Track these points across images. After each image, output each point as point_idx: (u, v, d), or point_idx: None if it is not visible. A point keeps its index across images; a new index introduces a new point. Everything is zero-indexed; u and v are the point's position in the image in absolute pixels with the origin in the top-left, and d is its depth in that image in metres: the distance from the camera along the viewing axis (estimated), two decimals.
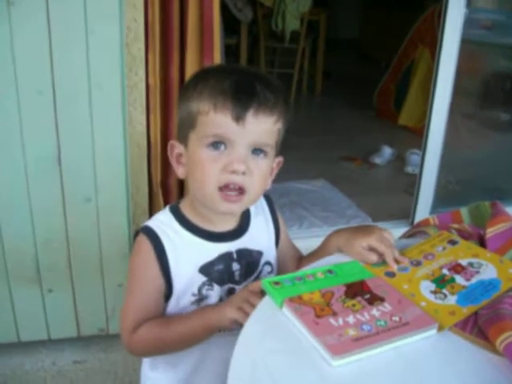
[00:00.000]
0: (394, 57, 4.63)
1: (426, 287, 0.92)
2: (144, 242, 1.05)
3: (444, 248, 1.00)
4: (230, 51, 4.65)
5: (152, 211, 1.98)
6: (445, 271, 0.94)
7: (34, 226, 1.72)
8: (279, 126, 1.02)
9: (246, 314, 0.92)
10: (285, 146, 1.11)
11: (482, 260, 0.94)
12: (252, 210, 1.15)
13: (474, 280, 0.91)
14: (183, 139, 1.04)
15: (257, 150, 0.99)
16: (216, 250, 1.07)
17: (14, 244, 1.74)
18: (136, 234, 1.09)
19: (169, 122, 1.95)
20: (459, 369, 0.77)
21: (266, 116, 0.97)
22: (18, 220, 1.71)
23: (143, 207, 1.89)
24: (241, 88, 0.97)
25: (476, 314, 0.86)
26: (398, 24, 4.88)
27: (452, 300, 0.88)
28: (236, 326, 0.95)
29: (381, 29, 6.13)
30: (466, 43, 2.43)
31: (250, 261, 1.10)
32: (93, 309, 1.90)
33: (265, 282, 0.92)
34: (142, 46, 1.71)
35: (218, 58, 1.89)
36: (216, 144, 0.97)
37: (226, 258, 1.07)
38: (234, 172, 0.97)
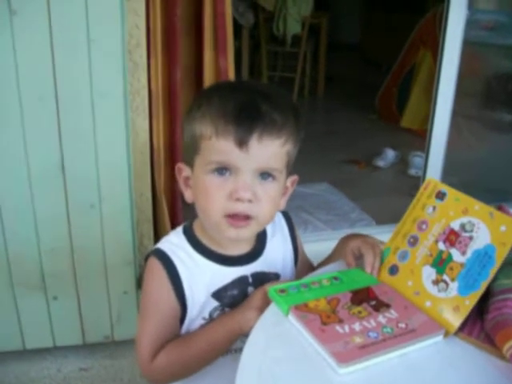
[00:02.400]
0: (395, 59, 4.62)
1: (428, 276, 0.92)
2: (157, 266, 1.01)
3: (434, 208, 0.98)
4: None
5: (156, 218, 1.99)
6: (441, 246, 0.93)
7: (39, 233, 1.72)
8: (288, 147, 0.96)
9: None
10: None
11: (472, 218, 0.92)
12: (269, 230, 1.11)
13: (469, 253, 0.89)
14: (189, 162, 0.99)
15: (264, 175, 0.95)
16: (230, 274, 1.03)
17: (18, 251, 1.74)
18: (147, 256, 1.05)
19: (173, 128, 1.95)
20: (466, 374, 0.77)
21: (271, 139, 0.92)
22: (22, 227, 1.71)
23: (147, 214, 1.90)
24: (244, 110, 0.91)
25: (482, 318, 0.86)
26: (399, 27, 4.88)
27: (454, 289, 0.88)
28: None
29: (382, 32, 6.13)
30: (467, 45, 2.43)
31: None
32: (98, 316, 1.90)
33: (270, 290, 0.91)
34: (143, 52, 1.72)
35: (231, 55, 1.88)
36: (220, 170, 0.93)
37: (241, 282, 1.03)
38: (239, 200, 0.92)
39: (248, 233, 0.99)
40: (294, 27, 4.83)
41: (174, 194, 2.07)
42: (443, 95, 2.43)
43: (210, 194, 0.94)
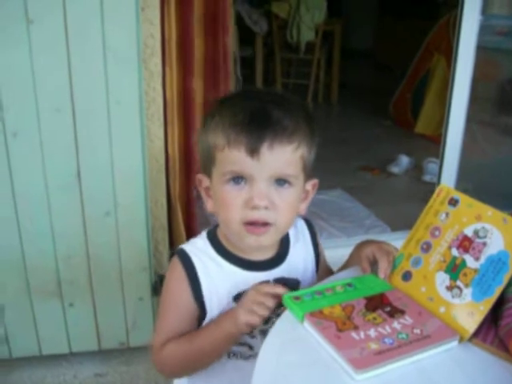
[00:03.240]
0: (409, 66, 4.62)
1: (442, 282, 0.92)
2: (177, 265, 1.03)
3: (447, 214, 0.98)
4: (245, 63, 4.68)
5: (171, 225, 2.00)
6: (454, 252, 0.93)
7: (55, 241, 1.74)
8: (302, 152, 0.96)
9: (259, 316, 0.91)
10: None
11: (485, 223, 0.92)
12: (292, 236, 1.11)
13: (483, 259, 0.89)
14: (208, 173, 1.01)
15: (280, 181, 0.95)
16: (253, 279, 1.03)
17: (35, 259, 1.75)
18: (172, 254, 1.08)
19: (188, 136, 1.97)
20: (480, 381, 0.77)
21: (283, 146, 0.92)
22: (39, 236, 1.73)
23: (162, 221, 1.91)
24: (254, 119, 0.92)
25: (496, 325, 0.86)
26: (412, 33, 4.87)
27: (468, 295, 0.88)
28: (251, 329, 0.94)
29: (396, 38, 6.12)
30: (481, 50, 2.43)
31: None
32: (113, 322, 1.91)
33: (285, 298, 0.92)
34: (159, 61, 1.73)
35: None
36: (236, 179, 0.94)
37: None
38: (255, 208, 0.93)
39: (268, 239, 0.99)
40: (307, 34, 4.84)
41: (188, 201, 2.08)
42: (457, 101, 2.43)
43: (227, 203, 0.96)
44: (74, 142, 1.65)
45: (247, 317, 0.92)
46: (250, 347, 1.06)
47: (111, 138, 1.67)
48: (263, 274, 1.05)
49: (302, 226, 1.15)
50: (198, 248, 1.06)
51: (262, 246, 1.01)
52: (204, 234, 1.09)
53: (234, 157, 0.92)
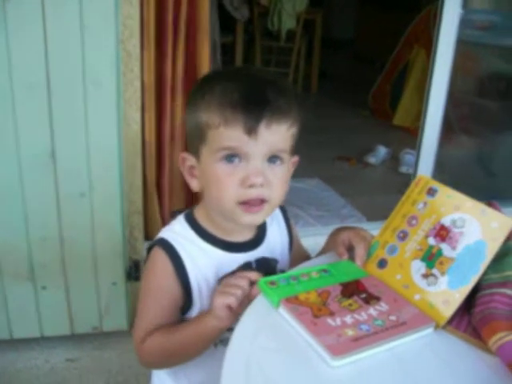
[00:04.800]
0: (389, 57, 4.63)
1: (417, 270, 0.92)
2: (160, 254, 1.01)
3: (425, 204, 0.98)
4: (225, 50, 4.65)
5: (146, 209, 1.98)
6: (431, 241, 0.93)
7: (28, 222, 1.72)
8: (293, 130, 0.98)
9: (233, 295, 0.90)
10: None
11: (463, 214, 0.93)
12: (268, 218, 1.12)
13: (459, 248, 0.90)
14: (194, 151, 1.00)
15: (273, 158, 0.96)
16: (235, 260, 1.04)
17: (7, 240, 1.73)
18: (150, 247, 1.06)
19: (163, 121, 1.95)
20: (453, 367, 0.77)
21: (279, 124, 0.94)
22: (11, 216, 1.71)
23: (137, 205, 1.89)
24: (252, 98, 0.92)
25: (469, 312, 0.86)
26: (393, 24, 4.88)
27: (443, 283, 0.88)
28: (234, 318, 0.92)
29: (376, 29, 6.13)
30: (461, 44, 2.44)
31: (268, 270, 1.06)
32: (86, 306, 1.90)
33: (260, 283, 0.91)
34: (137, 42, 1.71)
35: (207, 54, 1.89)
36: (230, 157, 0.94)
37: (245, 268, 1.04)
38: (252, 186, 0.93)
39: (262, 217, 1.00)
40: (288, 22, 4.82)
41: (163, 186, 2.07)
42: (436, 93, 2.44)
43: (221, 182, 0.95)
44: (49, 121, 1.62)
45: (221, 298, 0.91)
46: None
47: (87, 118, 1.65)
48: (245, 254, 1.06)
49: (275, 211, 1.15)
50: (177, 233, 1.04)
51: (255, 223, 1.03)
52: (181, 218, 1.08)
53: (230, 134, 0.92)
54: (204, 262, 1.02)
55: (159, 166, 2.04)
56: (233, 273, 1.02)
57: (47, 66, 1.57)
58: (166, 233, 1.06)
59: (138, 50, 1.72)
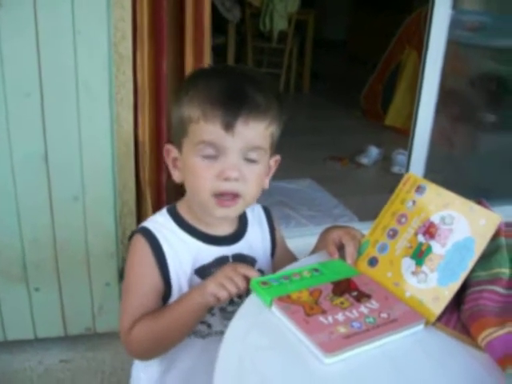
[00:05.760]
0: (381, 58, 4.65)
1: (408, 267, 0.94)
2: (141, 242, 1.04)
3: (414, 202, 0.99)
4: (217, 51, 4.65)
5: (140, 210, 1.98)
6: (420, 238, 0.95)
7: (21, 224, 1.72)
8: (272, 129, 1.01)
9: (227, 291, 0.92)
10: None
11: (452, 211, 0.94)
12: (250, 217, 1.15)
13: (449, 245, 0.91)
14: (177, 144, 1.03)
15: (250, 154, 0.99)
16: (213, 253, 1.07)
17: (0, 242, 1.73)
18: (131, 235, 1.08)
19: (159, 122, 1.95)
20: (444, 364, 0.79)
21: (257, 122, 0.97)
22: (4, 218, 1.70)
23: (130, 206, 1.89)
24: (230, 94, 0.96)
25: (459, 309, 0.87)
26: (385, 25, 4.90)
27: (433, 280, 0.90)
28: (217, 303, 0.95)
29: (368, 30, 6.15)
30: (452, 45, 2.45)
31: None
32: (80, 308, 1.90)
33: (253, 282, 0.92)
34: (129, 45, 1.71)
35: (208, 55, 1.90)
36: (208, 151, 0.97)
37: (221, 261, 1.06)
38: (227, 179, 0.97)
39: (235, 211, 1.04)
40: (280, 23, 4.83)
41: (158, 187, 2.07)
42: (427, 94, 2.45)
43: (199, 174, 0.99)
44: (42, 124, 1.63)
45: (216, 289, 0.93)
46: (209, 325, 1.07)
47: (80, 121, 1.65)
48: (223, 248, 1.08)
49: (259, 211, 1.19)
50: (160, 224, 1.07)
51: (228, 217, 1.06)
52: (164, 211, 1.11)
53: (208, 129, 0.96)
54: (183, 252, 1.05)
55: (154, 166, 2.04)
56: (210, 265, 1.05)
57: (40, 69, 1.57)
58: (148, 223, 1.08)
59: (130, 53, 1.72)
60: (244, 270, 0.95)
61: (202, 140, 0.96)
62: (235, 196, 0.99)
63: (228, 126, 0.94)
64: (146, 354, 1.07)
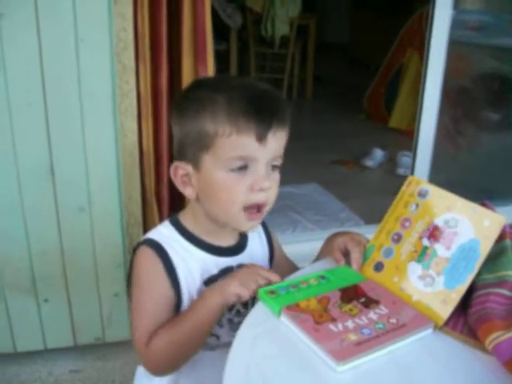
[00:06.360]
0: (383, 60, 4.65)
1: (414, 271, 0.94)
2: (148, 252, 1.03)
3: (417, 205, 0.99)
4: (219, 57, 4.66)
5: (146, 220, 1.99)
6: (425, 242, 0.95)
7: (29, 236, 1.72)
8: (287, 136, 1.03)
9: (250, 290, 0.93)
10: None
11: (455, 214, 0.94)
12: None
13: (454, 247, 0.91)
14: (191, 159, 1.01)
15: (273, 164, 1.01)
16: (219, 263, 1.07)
17: (8, 254, 1.74)
18: (135, 247, 1.07)
19: (160, 131, 1.96)
20: (452, 368, 0.79)
21: (282, 131, 0.99)
22: (12, 230, 1.71)
23: (136, 216, 1.90)
24: (263, 107, 0.96)
25: (466, 313, 0.87)
26: (387, 28, 4.90)
27: (440, 283, 0.90)
28: (238, 301, 0.96)
29: (370, 33, 6.15)
30: (453, 44, 2.45)
31: None
32: (89, 318, 1.90)
33: (260, 292, 0.92)
34: (131, 55, 1.72)
35: (211, 64, 1.91)
36: (242, 166, 0.97)
37: (227, 272, 1.05)
38: (261, 190, 0.98)
39: (260, 221, 1.06)
40: (282, 28, 4.84)
41: (161, 196, 2.07)
42: (430, 95, 2.46)
43: (230, 189, 0.98)
44: (47, 136, 1.63)
45: (239, 289, 0.94)
46: (217, 337, 1.07)
47: (84, 132, 1.66)
48: (228, 259, 1.09)
49: None
50: (165, 235, 1.07)
51: (255, 228, 1.10)
52: (167, 223, 1.10)
53: (243, 142, 0.96)
54: (191, 263, 1.04)
55: (158, 175, 2.04)
56: (218, 276, 1.05)
57: (43, 80, 1.58)
58: (152, 234, 1.08)
59: (132, 63, 1.73)
60: (264, 272, 0.97)
61: (236, 153, 0.96)
62: (261, 206, 1.00)
63: (262, 138, 0.95)
64: (167, 366, 1.03)
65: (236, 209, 0.99)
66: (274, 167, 1.01)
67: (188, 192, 1.04)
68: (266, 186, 0.98)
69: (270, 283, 0.95)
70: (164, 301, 1.02)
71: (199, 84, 1.09)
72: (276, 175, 1.03)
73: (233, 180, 0.97)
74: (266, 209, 1.02)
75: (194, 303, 1.01)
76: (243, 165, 0.97)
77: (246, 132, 0.95)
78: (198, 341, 1.01)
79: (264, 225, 1.20)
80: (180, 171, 1.03)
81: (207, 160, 0.99)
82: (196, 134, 0.99)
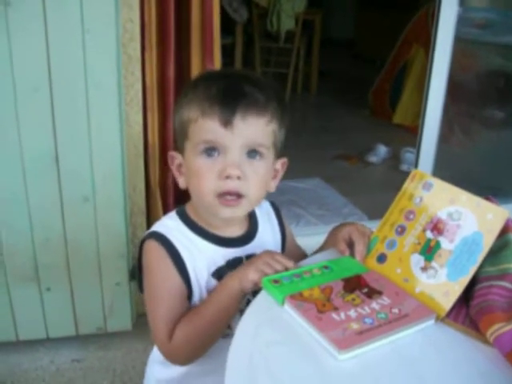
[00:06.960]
0: (388, 56, 4.65)
1: (417, 263, 0.94)
2: (155, 246, 1.03)
3: (421, 198, 1.00)
4: (225, 51, 4.66)
5: (149, 211, 2.00)
6: (429, 235, 0.95)
7: (33, 225, 1.73)
8: (274, 126, 1.00)
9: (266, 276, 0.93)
10: None
11: (459, 207, 0.94)
12: (259, 216, 1.14)
13: (457, 240, 0.91)
14: (181, 149, 1.03)
15: (252, 153, 0.98)
16: (226, 255, 1.06)
17: (12, 242, 1.74)
18: (142, 241, 1.07)
19: (166, 122, 1.96)
20: (452, 359, 0.79)
21: (255, 117, 0.96)
22: (16, 219, 1.72)
23: (140, 206, 1.91)
24: (227, 91, 0.96)
25: (468, 304, 0.88)
26: (392, 23, 4.89)
27: (443, 275, 0.90)
28: (255, 288, 0.95)
29: (375, 28, 6.15)
30: (459, 42, 2.45)
31: None
32: (91, 307, 1.91)
33: (264, 281, 0.93)
34: (137, 46, 1.73)
35: (218, 55, 1.91)
36: (209, 151, 0.97)
37: (236, 263, 1.05)
38: (228, 177, 0.96)
39: (241, 211, 1.02)
40: (287, 23, 4.84)
41: (167, 187, 2.08)
42: (435, 91, 2.46)
43: (201, 175, 0.98)
44: (52, 125, 1.64)
45: (256, 275, 0.94)
46: (229, 326, 1.07)
47: (89, 121, 1.66)
48: (236, 250, 1.08)
49: (267, 207, 1.19)
50: (170, 227, 1.06)
51: (234, 217, 1.04)
52: (173, 214, 1.10)
53: (207, 126, 0.96)
54: (198, 255, 1.04)
55: (163, 166, 2.05)
56: (224, 267, 1.04)
57: (49, 69, 1.59)
58: (158, 227, 1.07)
59: (138, 53, 1.73)
60: (282, 259, 0.97)
61: (201, 137, 0.96)
62: (238, 196, 0.98)
63: (227, 122, 0.94)
64: (190, 355, 1.04)
65: (210, 196, 0.98)
66: (253, 155, 0.99)
67: (180, 181, 1.06)
68: (234, 174, 0.95)
69: (286, 269, 0.95)
70: (178, 292, 1.02)
71: (198, 76, 1.11)
72: (258, 164, 0.99)
73: (203, 167, 0.97)
74: (246, 201, 0.99)
75: (214, 291, 1.01)
76: (209, 147, 0.96)
77: (209, 116, 0.95)
78: (220, 328, 1.02)
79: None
80: (176, 161, 1.06)
81: (187, 148, 1.01)
82: (179, 123, 1.02)
